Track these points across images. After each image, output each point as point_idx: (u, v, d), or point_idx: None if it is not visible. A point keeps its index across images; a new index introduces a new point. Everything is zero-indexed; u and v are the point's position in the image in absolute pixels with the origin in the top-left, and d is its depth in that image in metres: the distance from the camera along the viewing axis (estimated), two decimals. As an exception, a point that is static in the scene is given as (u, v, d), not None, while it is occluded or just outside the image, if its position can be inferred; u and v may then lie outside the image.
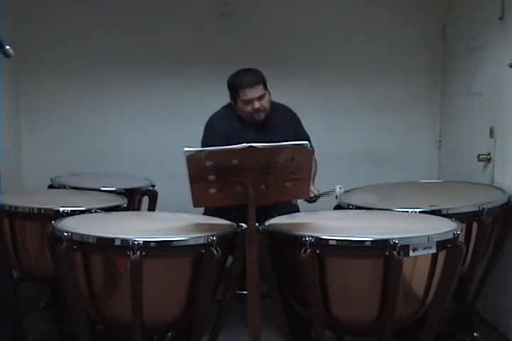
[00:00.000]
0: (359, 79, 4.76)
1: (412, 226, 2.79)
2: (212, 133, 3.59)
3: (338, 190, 3.14)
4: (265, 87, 3.52)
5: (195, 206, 2.67)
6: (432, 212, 3.05)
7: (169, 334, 3.20)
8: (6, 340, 3.36)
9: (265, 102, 3.51)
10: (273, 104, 3.62)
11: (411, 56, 4.78)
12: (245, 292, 2.68)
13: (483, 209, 3.13)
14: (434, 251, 2.61)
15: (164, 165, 4.33)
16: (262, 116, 3.53)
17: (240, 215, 2.80)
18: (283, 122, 3.62)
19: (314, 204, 3.24)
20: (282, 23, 4.69)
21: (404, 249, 2.53)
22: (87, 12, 4.61)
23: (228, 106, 3.64)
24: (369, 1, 4.73)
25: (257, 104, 3.47)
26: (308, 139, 3.38)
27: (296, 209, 3.52)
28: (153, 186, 4.01)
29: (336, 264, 2.63)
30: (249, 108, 3.49)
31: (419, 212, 3.07)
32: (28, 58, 4.49)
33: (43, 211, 3.17)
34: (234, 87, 3.51)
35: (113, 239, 2.58)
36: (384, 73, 4.76)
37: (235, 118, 3.59)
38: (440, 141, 4.82)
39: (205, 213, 3.28)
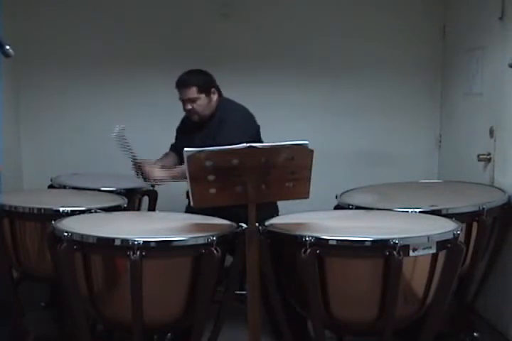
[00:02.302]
0: (359, 79, 4.76)
1: (412, 226, 2.79)
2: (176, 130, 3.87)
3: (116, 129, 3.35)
4: (201, 91, 3.55)
5: (195, 206, 2.67)
6: (432, 212, 3.05)
7: (169, 334, 3.20)
8: (6, 340, 3.36)
9: (197, 106, 3.57)
10: (228, 107, 3.62)
11: (411, 56, 4.77)
12: (245, 292, 2.68)
13: (483, 209, 3.13)
14: (434, 251, 2.61)
15: (164, 165, 4.33)
16: (195, 118, 3.63)
17: (226, 214, 2.90)
18: (215, 125, 3.60)
19: (314, 204, 3.21)
20: (282, 23, 4.69)
21: (404, 249, 2.53)
22: (87, 12, 4.61)
23: None
24: (369, 1, 4.72)
25: (188, 106, 3.58)
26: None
27: (276, 210, 3.53)
28: (153, 186, 4.00)
29: (336, 264, 2.63)
30: (184, 107, 3.62)
31: (419, 212, 3.06)
32: (28, 58, 4.49)
33: (43, 211, 3.17)
34: (175, 85, 3.65)
35: (113, 239, 2.58)
36: (384, 73, 4.76)
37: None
38: (440, 141, 4.82)
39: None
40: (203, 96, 3.57)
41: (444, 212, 3.06)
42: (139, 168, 3.52)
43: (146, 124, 4.73)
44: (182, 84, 3.59)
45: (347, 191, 3.57)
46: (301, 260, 2.56)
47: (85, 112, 4.71)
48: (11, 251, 3.27)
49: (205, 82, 3.60)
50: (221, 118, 3.58)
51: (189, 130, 3.70)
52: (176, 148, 3.68)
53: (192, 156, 2.51)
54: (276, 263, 2.75)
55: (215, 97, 3.62)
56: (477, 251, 3.20)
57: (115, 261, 2.68)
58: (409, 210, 3.08)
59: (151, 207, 4.00)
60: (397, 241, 2.51)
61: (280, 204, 3.60)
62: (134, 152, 3.52)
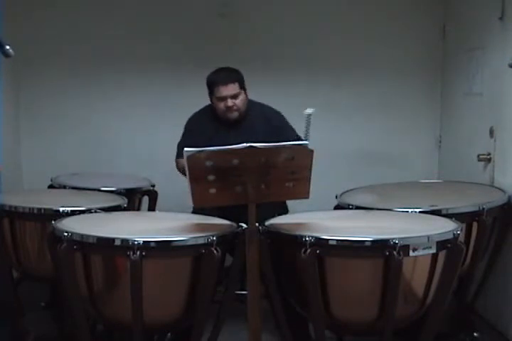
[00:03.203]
0: (359, 79, 4.76)
1: (412, 226, 2.79)
2: (187, 130, 3.75)
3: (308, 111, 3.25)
4: (241, 87, 3.57)
5: (195, 206, 2.67)
6: (432, 212, 3.05)
7: (169, 334, 3.20)
8: (6, 340, 3.36)
9: (239, 101, 3.56)
10: (256, 106, 3.66)
11: (411, 56, 4.78)
12: (245, 292, 2.68)
13: (483, 209, 3.12)
14: (434, 251, 2.61)
15: (164, 165, 4.32)
16: (235, 115, 3.59)
17: (227, 214, 2.91)
18: (257, 124, 3.62)
19: (314, 204, 3.22)
20: (282, 23, 4.69)
21: (404, 249, 2.53)
22: (87, 12, 4.61)
23: (209, 105, 3.73)
24: (369, 1, 4.73)
25: (229, 102, 3.54)
26: None
27: (285, 210, 3.54)
28: (153, 186, 4.01)
29: (336, 264, 2.63)
30: (222, 105, 3.56)
31: (419, 212, 3.06)
32: (28, 58, 4.49)
33: (43, 211, 3.17)
34: (209, 84, 3.60)
35: (113, 239, 2.58)
36: (384, 73, 4.76)
37: (211, 116, 3.68)
38: (440, 141, 4.82)
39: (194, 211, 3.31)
40: (243, 92, 3.59)
41: (444, 212, 3.06)
42: None
43: (147, 124, 4.73)
44: (224, 80, 3.55)
45: (347, 191, 3.57)
46: (301, 260, 2.56)
47: (85, 112, 4.71)
48: (11, 251, 3.27)
49: (242, 78, 3.62)
50: (266, 117, 3.62)
51: (215, 129, 3.65)
52: None
53: (192, 156, 2.51)
54: (276, 263, 2.75)
55: (247, 94, 3.65)
56: (477, 251, 3.20)
57: (115, 261, 2.67)
58: (409, 210, 3.08)
59: (151, 207, 4.00)
60: (397, 241, 2.51)
61: (280, 204, 3.61)
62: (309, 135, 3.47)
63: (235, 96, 3.55)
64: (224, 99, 3.54)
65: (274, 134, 3.50)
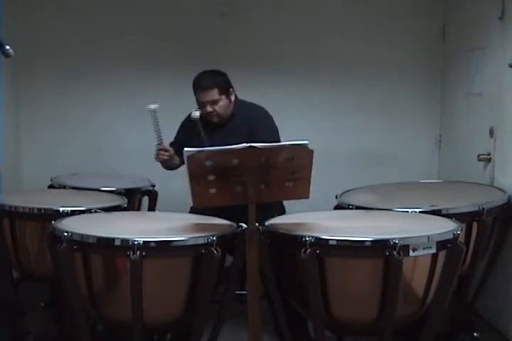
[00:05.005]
0: (359, 79, 4.76)
1: (412, 226, 2.79)
2: (180, 126, 3.83)
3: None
4: (222, 92, 3.51)
5: (195, 206, 2.67)
6: (432, 212, 3.05)
7: (169, 334, 3.20)
8: (6, 340, 3.36)
9: (218, 107, 3.51)
10: (244, 107, 3.62)
11: (411, 56, 4.78)
12: (245, 292, 2.68)
13: (483, 209, 3.13)
14: (434, 251, 2.62)
15: (164, 165, 4.34)
16: (215, 119, 3.56)
17: (227, 214, 2.90)
18: (241, 125, 3.57)
19: (314, 204, 3.23)
20: (282, 23, 4.69)
21: (404, 249, 2.53)
22: (87, 12, 4.61)
23: None
24: (369, 1, 4.73)
25: (208, 108, 3.51)
26: None
27: (282, 210, 3.53)
28: (153, 186, 4.01)
29: (336, 264, 2.63)
30: (203, 109, 3.53)
31: (419, 212, 3.07)
32: (28, 58, 4.49)
33: (43, 211, 3.17)
34: (192, 87, 3.57)
35: (113, 239, 2.59)
36: (384, 73, 4.76)
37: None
38: (440, 141, 4.82)
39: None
40: (223, 97, 3.52)
41: (444, 212, 3.07)
42: (160, 149, 3.64)
43: (146, 124, 4.71)
44: (202, 86, 3.50)
45: (347, 191, 3.57)
46: (301, 260, 2.56)
47: (85, 112, 4.71)
48: (11, 251, 3.27)
49: (224, 83, 3.55)
50: (250, 116, 3.56)
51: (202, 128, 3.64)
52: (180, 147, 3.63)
53: (192, 156, 2.51)
54: (276, 263, 2.75)
55: (233, 97, 3.59)
56: (477, 251, 3.20)
57: (115, 261, 2.68)
58: (409, 210, 3.08)
59: (151, 207, 4.00)
60: (397, 241, 2.51)
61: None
62: (160, 131, 3.61)
63: (213, 102, 3.50)
64: (203, 104, 3.51)
65: (252, 138, 3.44)
